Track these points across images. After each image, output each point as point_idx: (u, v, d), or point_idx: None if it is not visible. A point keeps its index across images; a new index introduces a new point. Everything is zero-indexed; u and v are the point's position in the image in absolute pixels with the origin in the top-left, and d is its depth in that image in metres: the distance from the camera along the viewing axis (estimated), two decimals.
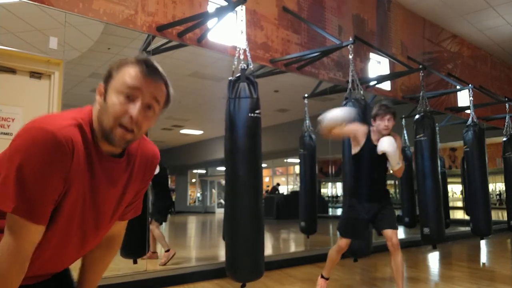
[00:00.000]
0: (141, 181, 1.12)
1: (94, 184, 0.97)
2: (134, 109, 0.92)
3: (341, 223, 3.15)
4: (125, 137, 0.94)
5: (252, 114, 2.96)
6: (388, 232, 2.93)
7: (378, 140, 3.03)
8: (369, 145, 3.04)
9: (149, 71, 0.95)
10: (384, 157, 2.98)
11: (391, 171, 3.04)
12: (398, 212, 9.30)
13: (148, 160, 1.12)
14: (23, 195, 0.85)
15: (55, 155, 0.86)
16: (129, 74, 0.94)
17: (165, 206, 4.82)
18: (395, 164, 2.92)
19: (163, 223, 4.91)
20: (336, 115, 2.81)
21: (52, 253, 1.00)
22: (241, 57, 3.24)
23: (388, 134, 3.06)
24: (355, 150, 3.10)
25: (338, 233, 3.10)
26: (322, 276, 3.24)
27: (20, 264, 0.89)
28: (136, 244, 3.65)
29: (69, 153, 0.88)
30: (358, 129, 3.12)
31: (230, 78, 3.09)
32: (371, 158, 3.03)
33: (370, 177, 3.09)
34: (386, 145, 2.92)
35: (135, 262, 3.63)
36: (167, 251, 4.43)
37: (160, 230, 4.66)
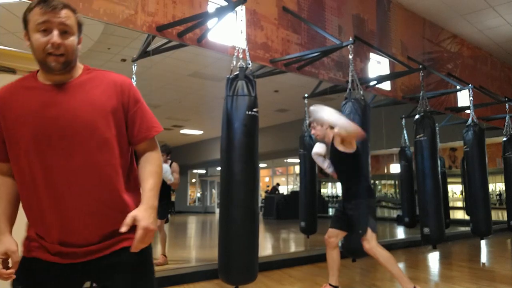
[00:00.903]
0: (113, 101, 1.22)
1: (42, 108, 1.15)
2: (53, 37, 1.13)
3: (368, 221, 3.01)
4: (59, 60, 1.15)
5: (250, 112, 2.93)
6: (361, 240, 3.00)
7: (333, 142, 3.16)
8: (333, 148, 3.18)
9: (48, 4, 1.13)
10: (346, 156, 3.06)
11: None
12: (398, 212, 9.32)
13: (114, 81, 1.25)
14: None
15: None
16: (37, 14, 1.13)
17: (166, 203, 4.83)
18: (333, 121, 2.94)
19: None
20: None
21: (36, 193, 1.16)
22: (240, 56, 3.24)
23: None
24: (351, 150, 3.08)
25: (365, 231, 2.99)
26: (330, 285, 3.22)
27: None
28: None
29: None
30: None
31: (228, 76, 3.08)
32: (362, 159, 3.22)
33: (368, 176, 3.19)
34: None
35: None
36: (164, 255, 4.46)
37: (164, 232, 4.69)
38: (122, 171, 1.23)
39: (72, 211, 1.16)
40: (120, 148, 1.23)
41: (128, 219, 1.15)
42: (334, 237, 3.14)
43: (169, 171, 4.47)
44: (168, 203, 4.94)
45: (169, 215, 5.04)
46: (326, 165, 3.23)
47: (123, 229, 1.15)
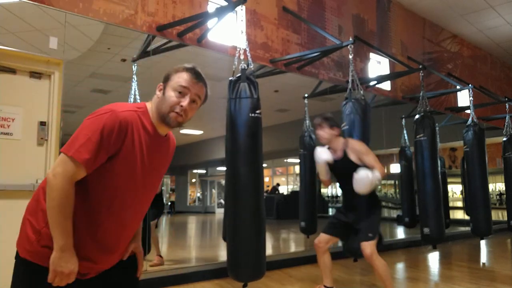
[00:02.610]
0: (171, 156, 1.49)
1: (149, 150, 1.32)
2: (185, 101, 1.32)
3: (376, 228, 3.04)
4: (177, 120, 1.32)
5: (253, 114, 2.95)
6: (361, 245, 2.96)
7: (332, 152, 3.12)
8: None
9: (197, 76, 1.34)
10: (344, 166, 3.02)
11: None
12: (398, 212, 9.31)
13: (173, 141, 1.50)
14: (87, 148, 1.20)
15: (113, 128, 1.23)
16: (183, 78, 1.33)
17: (160, 206, 4.77)
18: (378, 183, 2.88)
19: (157, 226, 4.86)
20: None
21: (116, 216, 1.29)
22: (241, 57, 3.24)
23: (340, 144, 3.11)
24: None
25: (374, 237, 2.99)
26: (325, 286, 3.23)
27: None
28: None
29: (124, 127, 1.24)
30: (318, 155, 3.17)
31: (230, 78, 3.09)
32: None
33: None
34: (359, 187, 2.90)
35: None
36: (159, 255, 4.44)
37: (156, 234, 4.64)
38: None
39: (124, 240, 1.38)
40: None
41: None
42: (324, 242, 3.15)
43: None
44: (161, 205, 4.84)
45: (157, 219, 4.94)
46: (327, 174, 3.14)
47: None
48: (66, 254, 1.18)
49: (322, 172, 3.09)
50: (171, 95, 1.31)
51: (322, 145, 3.18)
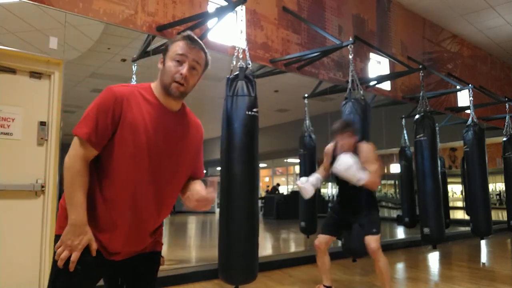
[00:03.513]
0: (197, 140, 1.47)
1: (155, 123, 1.31)
2: (183, 69, 1.32)
3: (378, 225, 3.05)
4: (179, 89, 1.32)
5: (250, 112, 2.93)
6: (366, 238, 2.95)
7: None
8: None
9: (192, 42, 1.34)
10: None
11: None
12: (398, 212, 9.31)
13: (197, 125, 1.49)
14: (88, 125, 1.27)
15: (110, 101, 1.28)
16: (179, 46, 1.33)
17: None
18: (355, 181, 2.83)
19: None
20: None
21: (130, 194, 1.29)
22: (240, 56, 3.24)
23: (353, 148, 3.03)
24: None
25: (378, 232, 3.00)
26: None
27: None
28: None
29: (120, 101, 1.27)
30: (326, 151, 3.16)
31: (228, 76, 3.08)
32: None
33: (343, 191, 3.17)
34: (338, 166, 2.84)
35: None
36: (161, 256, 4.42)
37: None
38: None
39: (141, 224, 1.36)
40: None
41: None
42: (325, 243, 3.15)
43: None
44: None
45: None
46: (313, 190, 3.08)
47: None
48: (76, 229, 1.25)
49: (304, 193, 3.05)
50: (170, 65, 1.32)
51: (335, 148, 3.12)
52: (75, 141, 1.28)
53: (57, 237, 1.30)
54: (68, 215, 1.26)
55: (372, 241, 2.92)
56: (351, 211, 3.12)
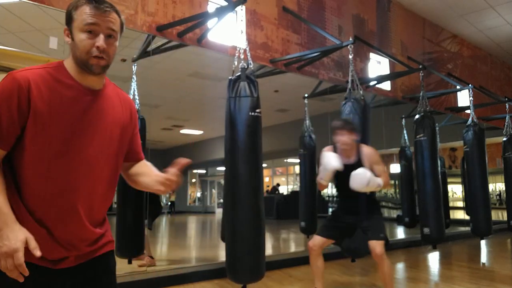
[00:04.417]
0: (126, 118, 1.29)
1: (77, 107, 1.15)
2: (100, 40, 1.13)
3: (384, 230, 3.04)
4: (100, 63, 1.15)
5: (253, 113, 2.93)
6: (371, 243, 2.93)
7: (344, 156, 3.02)
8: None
9: (99, 6, 1.13)
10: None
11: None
12: (398, 212, 9.32)
13: (126, 101, 1.33)
14: None
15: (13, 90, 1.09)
16: (86, 14, 1.13)
17: (154, 210, 4.72)
18: (375, 188, 2.87)
19: (151, 228, 4.81)
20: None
21: (57, 182, 1.13)
22: (241, 56, 3.24)
23: (355, 149, 3.03)
24: None
25: (385, 236, 3.00)
26: None
27: None
28: (131, 244, 3.64)
29: (25, 87, 1.09)
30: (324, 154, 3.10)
31: (230, 77, 3.08)
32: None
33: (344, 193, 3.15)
34: (357, 184, 2.83)
35: (129, 262, 3.61)
36: (151, 257, 4.41)
37: (147, 234, 4.61)
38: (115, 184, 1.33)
39: (79, 215, 1.20)
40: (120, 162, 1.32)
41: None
42: (319, 246, 3.09)
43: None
44: (155, 210, 4.80)
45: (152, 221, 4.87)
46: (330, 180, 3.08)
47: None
48: (4, 231, 1.05)
49: (327, 178, 2.98)
50: (81, 38, 1.13)
51: (334, 150, 3.09)
52: None
53: None
54: None
55: (377, 246, 2.90)
56: (354, 214, 3.09)
